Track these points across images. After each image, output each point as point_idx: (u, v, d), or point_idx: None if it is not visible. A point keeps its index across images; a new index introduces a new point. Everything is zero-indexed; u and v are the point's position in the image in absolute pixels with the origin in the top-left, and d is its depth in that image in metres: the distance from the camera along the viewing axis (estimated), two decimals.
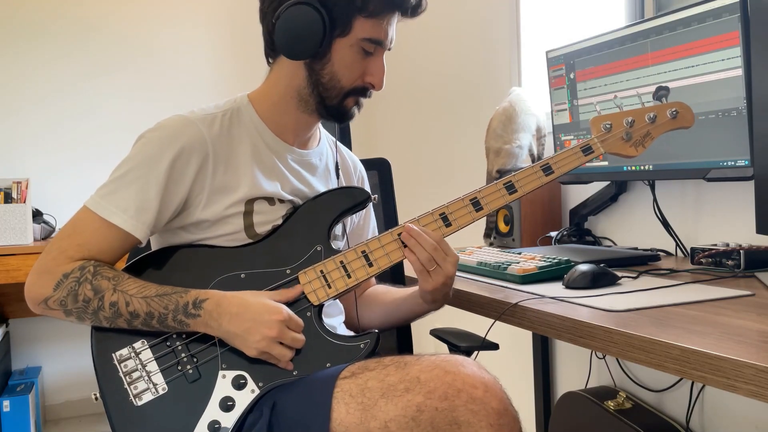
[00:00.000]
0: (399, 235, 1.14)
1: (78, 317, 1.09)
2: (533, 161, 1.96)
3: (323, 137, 1.33)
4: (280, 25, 1.11)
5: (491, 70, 2.51)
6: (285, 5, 1.11)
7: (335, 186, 1.30)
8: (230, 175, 1.15)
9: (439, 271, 1.12)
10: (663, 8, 1.83)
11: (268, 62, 1.23)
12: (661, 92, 1.24)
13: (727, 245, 1.34)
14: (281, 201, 1.19)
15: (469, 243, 1.89)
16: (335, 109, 1.18)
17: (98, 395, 1.09)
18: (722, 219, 1.59)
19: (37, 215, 2.84)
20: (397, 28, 1.18)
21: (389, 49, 1.19)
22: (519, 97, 1.92)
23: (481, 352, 1.36)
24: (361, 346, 1.10)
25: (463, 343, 1.40)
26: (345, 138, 1.61)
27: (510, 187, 1.16)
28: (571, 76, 1.80)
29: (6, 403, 2.64)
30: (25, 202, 2.68)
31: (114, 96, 3.16)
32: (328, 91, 1.16)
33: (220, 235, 1.15)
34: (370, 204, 1.33)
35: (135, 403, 1.07)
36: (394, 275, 1.53)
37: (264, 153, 1.19)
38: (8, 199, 2.68)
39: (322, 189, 1.26)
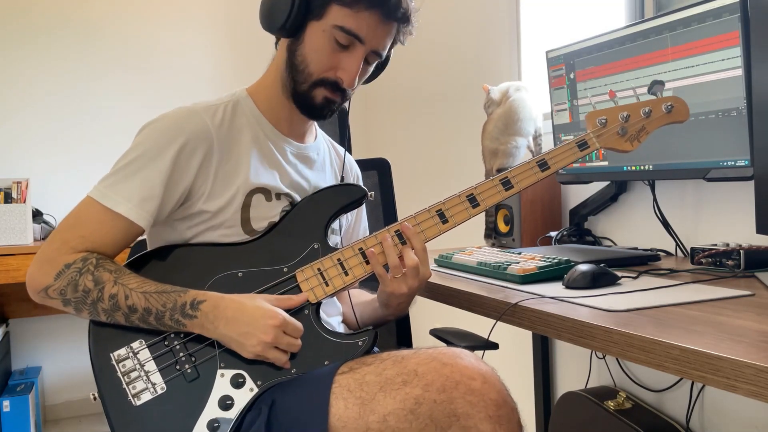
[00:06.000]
0: (396, 232, 1.15)
1: (76, 308, 1.09)
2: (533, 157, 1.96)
3: (320, 134, 1.34)
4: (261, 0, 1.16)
5: (491, 70, 2.51)
6: None
7: (332, 181, 1.30)
8: (233, 164, 1.16)
9: (403, 280, 1.13)
10: (663, 8, 1.83)
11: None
12: (655, 86, 1.24)
13: (727, 245, 1.34)
14: (278, 196, 1.19)
15: (470, 243, 1.89)
16: (303, 96, 1.16)
17: (97, 395, 1.09)
18: (722, 219, 1.59)
19: (37, 215, 2.84)
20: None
21: (380, 57, 1.17)
22: (522, 102, 1.91)
23: (481, 351, 1.36)
24: (359, 343, 1.10)
25: (462, 343, 1.40)
26: (344, 138, 1.61)
27: (506, 183, 1.17)
28: (571, 76, 1.79)
29: (6, 403, 2.64)
30: (25, 202, 2.69)
31: (114, 97, 3.17)
32: (298, 75, 1.15)
33: (217, 226, 1.16)
34: (364, 205, 1.33)
35: (134, 402, 1.07)
36: None
37: (263, 143, 1.20)
38: (8, 199, 2.68)
39: (320, 183, 1.27)
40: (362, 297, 1.34)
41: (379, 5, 1.12)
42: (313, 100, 1.17)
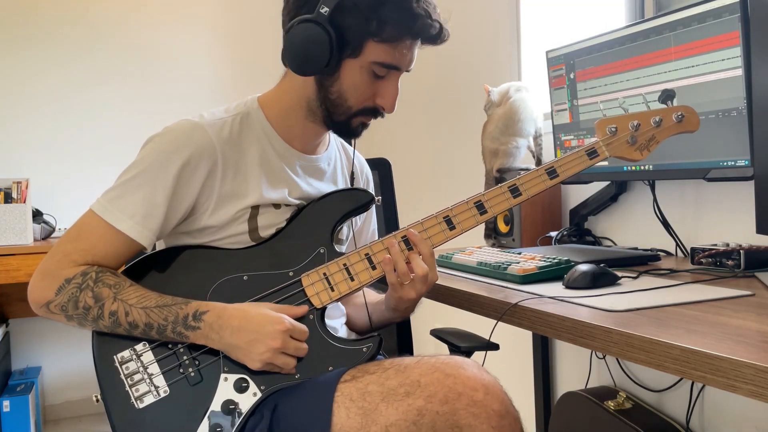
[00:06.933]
0: (403, 237, 1.14)
1: (79, 323, 1.09)
2: (533, 157, 1.96)
3: (332, 141, 1.32)
4: (288, 39, 1.09)
5: (491, 70, 2.51)
6: (296, 20, 1.08)
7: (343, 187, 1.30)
8: (239, 181, 1.14)
9: (412, 285, 1.12)
10: (663, 8, 1.83)
11: (285, 64, 1.21)
12: (666, 95, 1.24)
13: (727, 245, 1.34)
14: (287, 205, 1.18)
15: (470, 243, 1.89)
16: (342, 125, 1.17)
17: (99, 397, 1.09)
18: (722, 219, 1.59)
19: (37, 215, 2.84)
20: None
21: (408, 71, 1.17)
22: (522, 103, 1.90)
23: (482, 352, 1.36)
24: (364, 350, 1.10)
25: (463, 344, 1.40)
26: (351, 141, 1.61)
27: (515, 191, 1.16)
28: (571, 76, 1.80)
29: (6, 403, 2.64)
30: (25, 202, 2.68)
31: (115, 99, 3.17)
32: (336, 108, 1.14)
33: (224, 237, 1.15)
34: (373, 208, 1.32)
35: (136, 405, 1.07)
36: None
37: (272, 159, 1.18)
38: (8, 199, 2.68)
39: None
40: (368, 297, 1.32)
41: (420, 36, 1.11)
42: (350, 128, 1.17)
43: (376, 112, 1.17)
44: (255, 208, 1.15)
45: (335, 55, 1.08)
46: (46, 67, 3.08)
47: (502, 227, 1.94)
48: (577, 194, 1.98)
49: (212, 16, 3.35)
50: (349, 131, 1.18)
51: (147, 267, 1.14)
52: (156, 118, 1.16)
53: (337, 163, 1.32)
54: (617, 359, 1.89)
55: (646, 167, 1.59)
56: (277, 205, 1.17)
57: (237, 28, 3.37)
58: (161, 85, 3.24)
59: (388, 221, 1.62)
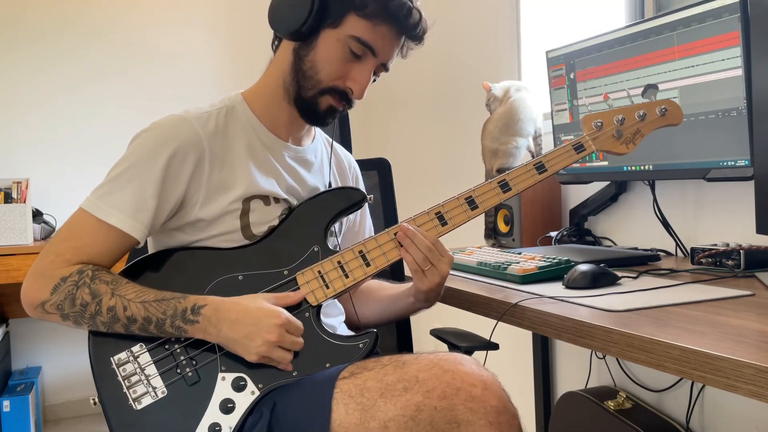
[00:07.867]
0: (395, 234, 1.15)
1: (75, 321, 1.08)
2: (533, 157, 1.96)
3: (318, 135, 1.33)
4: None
5: (491, 70, 2.51)
6: None
7: (330, 182, 1.30)
8: (226, 172, 1.15)
9: (434, 271, 1.13)
10: (663, 8, 1.83)
11: (274, 52, 1.22)
12: (649, 90, 1.25)
13: (727, 245, 1.34)
14: (276, 200, 1.19)
15: (470, 243, 1.89)
16: (308, 102, 1.16)
17: (96, 400, 1.09)
18: (722, 219, 1.59)
19: (37, 215, 2.84)
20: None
21: (386, 69, 1.18)
22: (523, 103, 1.90)
23: (482, 352, 1.36)
24: (360, 345, 1.10)
25: (463, 343, 1.40)
26: (345, 138, 1.61)
27: (504, 186, 1.17)
28: (571, 76, 1.79)
29: (6, 403, 2.64)
30: (25, 202, 2.68)
31: (114, 98, 3.17)
32: (306, 81, 1.15)
33: (217, 235, 1.15)
34: (366, 204, 1.33)
35: (134, 407, 1.07)
36: (395, 274, 1.53)
37: (259, 150, 1.19)
38: (8, 199, 2.68)
39: (318, 186, 1.26)
40: (388, 290, 1.32)
41: (400, 22, 1.13)
42: (317, 107, 1.16)
43: (344, 95, 1.16)
44: (246, 203, 1.15)
45: (315, 17, 1.10)
46: (46, 67, 3.08)
47: (502, 227, 1.94)
48: (577, 194, 1.98)
49: (212, 15, 3.35)
50: (316, 112, 1.17)
51: (142, 269, 1.14)
52: (156, 117, 1.16)
53: (324, 156, 1.32)
54: (617, 359, 1.89)
55: (646, 167, 1.59)
56: (266, 200, 1.17)
57: (237, 28, 3.37)
58: (161, 85, 3.24)
59: (388, 221, 1.62)
